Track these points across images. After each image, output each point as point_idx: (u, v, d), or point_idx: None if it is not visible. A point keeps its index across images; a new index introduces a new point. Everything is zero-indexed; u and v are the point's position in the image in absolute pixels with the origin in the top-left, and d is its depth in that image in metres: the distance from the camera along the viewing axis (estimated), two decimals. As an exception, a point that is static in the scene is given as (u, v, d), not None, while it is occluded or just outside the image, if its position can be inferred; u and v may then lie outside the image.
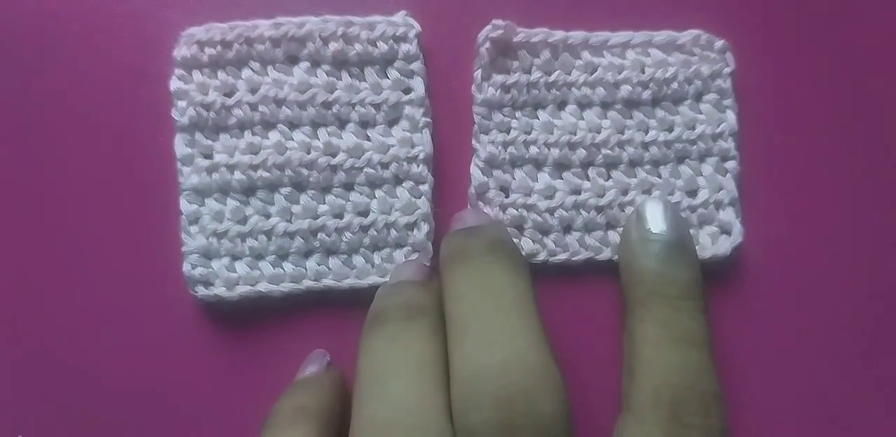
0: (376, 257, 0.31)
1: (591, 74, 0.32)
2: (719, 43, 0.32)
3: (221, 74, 0.31)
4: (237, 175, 0.31)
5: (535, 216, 0.31)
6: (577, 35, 0.32)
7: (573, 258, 0.31)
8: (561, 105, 0.32)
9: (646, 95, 0.32)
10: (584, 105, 0.32)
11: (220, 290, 0.30)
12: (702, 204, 0.32)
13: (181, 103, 0.31)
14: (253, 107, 0.31)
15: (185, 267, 0.30)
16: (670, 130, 0.32)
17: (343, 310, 0.31)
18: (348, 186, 0.31)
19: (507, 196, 0.31)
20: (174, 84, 0.31)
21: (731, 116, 0.32)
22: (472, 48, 0.32)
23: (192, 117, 0.31)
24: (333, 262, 0.31)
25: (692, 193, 0.32)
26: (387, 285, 0.29)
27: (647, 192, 0.32)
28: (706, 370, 0.27)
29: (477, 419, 0.23)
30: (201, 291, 0.30)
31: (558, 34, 0.32)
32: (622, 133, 0.32)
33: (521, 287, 0.26)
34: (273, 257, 0.31)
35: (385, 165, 0.31)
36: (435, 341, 0.26)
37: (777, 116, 0.33)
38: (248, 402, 0.31)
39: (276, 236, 0.30)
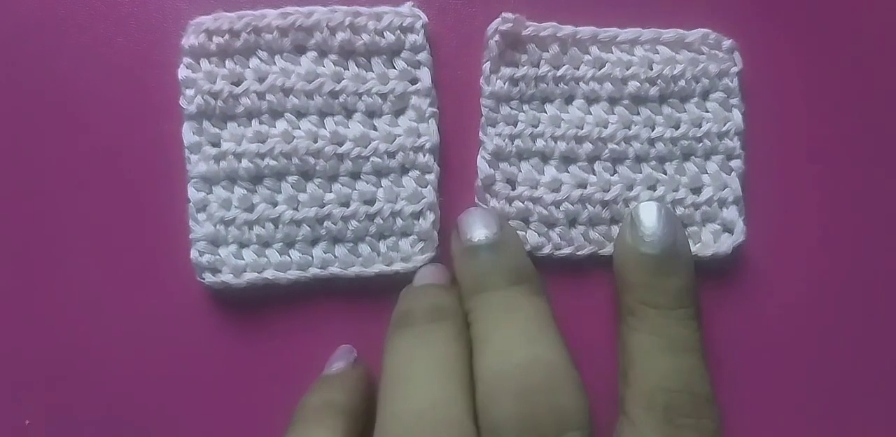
0: (382, 246, 0.31)
1: (600, 69, 0.32)
2: (727, 42, 0.32)
3: (229, 63, 0.31)
4: (244, 163, 0.31)
5: (540, 209, 0.31)
6: (586, 30, 0.32)
7: (577, 253, 0.31)
8: (568, 99, 0.32)
9: (653, 91, 0.32)
10: (591, 100, 0.32)
11: (227, 277, 0.30)
12: (705, 202, 0.32)
13: (189, 92, 0.31)
14: (260, 96, 0.31)
15: (193, 254, 0.30)
16: (677, 126, 0.32)
17: (349, 298, 0.31)
18: (355, 175, 0.31)
19: (513, 189, 0.31)
20: (182, 73, 0.31)
21: (737, 115, 0.32)
22: (478, 40, 0.32)
23: (200, 106, 0.31)
24: (339, 250, 0.31)
25: (696, 190, 0.32)
26: (411, 287, 0.29)
27: (653, 188, 0.32)
28: (698, 374, 0.28)
29: (499, 413, 0.24)
30: (209, 278, 0.30)
31: (567, 29, 0.32)
32: (629, 129, 0.32)
33: (540, 307, 0.27)
34: (280, 244, 0.31)
35: (391, 155, 0.31)
36: (459, 342, 0.27)
37: (783, 117, 0.33)
38: (255, 388, 0.31)
39: (283, 224, 0.31)
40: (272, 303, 0.31)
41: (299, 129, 0.31)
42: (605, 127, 0.32)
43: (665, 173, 0.32)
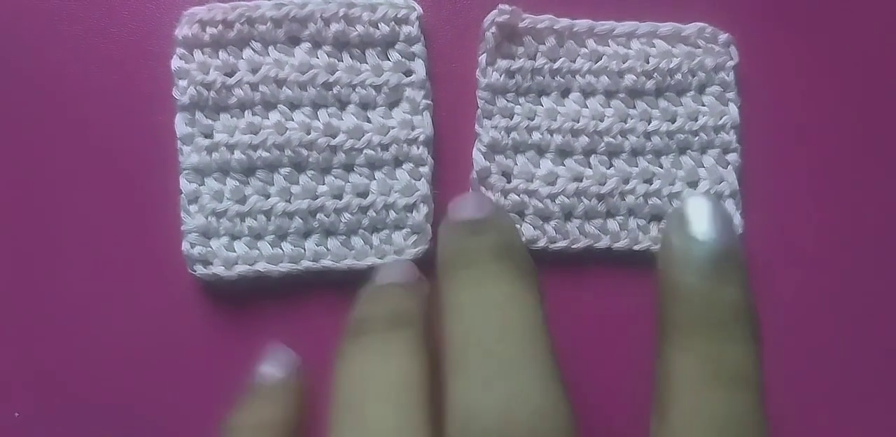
0: (375, 239, 0.31)
1: (596, 62, 0.32)
2: (724, 36, 0.32)
3: (223, 54, 0.31)
4: (237, 155, 0.30)
5: (536, 202, 0.31)
6: (582, 23, 0.32)
7: (573, 246, 0.31)
8: (565, 92, 0.32)
9: (649, 85, 0.32)
10: (587, 93, 0.32)
11: (218, 269, 0.30)
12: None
13: (182, 83, 0.30)
14: (253, 87, 0.31)
15: (185, 246, 0.30)
16: (673, 120, 0.32)
17: (341, 290, 0.31)
18: (348, 167, 0.31)
19: (508, 182, 0.31)
20: (175, 63, 0.31)
21: (733, 108, 0.32)
22: (474, 32, 0.32)
23: (193, 97, 0.30)
24: (332, 242, 0.31)
25: (693, 184, 0.32)
26: (371, 287, 0.25)
27: (649, 181, 0.32)
28: (755, 422, 0.22)
29: None
30: (200, 270, 0.30)
31: (564, 21, 0.32)
32: (625, 122, 0.32)
33: (529, 304, 0.22)
34: (272, 236, 0.30)
35: (385, 147, 0.31)
36: (420, 355, 0.23)
37: (779, 110, 0.33)
38: (245, 381, 0.30)
39: (276, 216, 0.30)
40: (264, 295, 0.31)
41: (292, 120, 0.31)
42: (602, 120, 0.32)
43: (661, 167, 0.32)
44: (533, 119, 0.31)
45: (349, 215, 0.30)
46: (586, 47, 0.32)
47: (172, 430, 0.31)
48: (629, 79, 0.32)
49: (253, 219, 0.30)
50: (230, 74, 0.31)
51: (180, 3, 0.31)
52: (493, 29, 0.31)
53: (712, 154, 0.32)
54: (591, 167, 0.32)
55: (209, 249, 0.30)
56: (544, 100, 0.32)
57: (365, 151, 0.31)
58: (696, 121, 0.32)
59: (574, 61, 0.32)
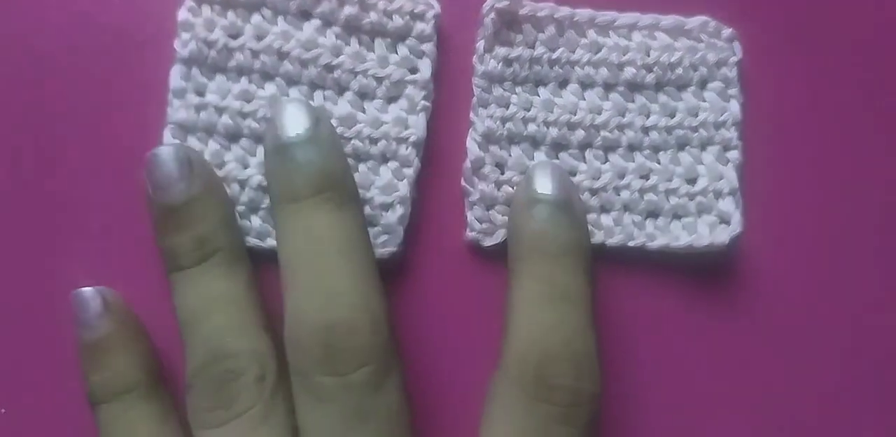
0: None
1: (596, 53, 0.31)
2: (727, 31, 0.31)
3: (231, 15, 0.30)
4: (224, 119, 0.30)
5: (529, 195, 0.30)
6: (583, 13, 0.31)
7: (564, 240, 0.30)
8: (562, 83, 0.31)
9: (649, 78, 0.31)
10: (585, 85, 0.31)
11: None
12: (700, 192, 0.31)
13: (185, 35, 0.30)
14: (255, 54, 0.30)
15: None
16: (672, 115, 0.31)
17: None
18: (333, 155, 0.30)
19: (502, 173, 0.31)
20: (182, 15, 0.30)
21: (734, 105, 0.31)
22: (473, 19, 0.31)
23: (193, 51, 0.30)
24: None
25: (692, 180, 0.31)
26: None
27: (645, 177, 0.31)
28: (582, 331, 0.25)
29: (302, 334, 0.24)
30: None
31: (565, 10, 0.31)
32: (623, 116, 0.31)
33: (346, 226, 0.26)
34: (243, 208, 0.30)
35: (374, 141, 0.30)
36: (234, 274, 0.27)
37: (781, 108, 0.32)
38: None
39: (250, 188, 0.30)
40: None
41: (287, 96, 0.30)
42: (599, 114, 0.31)
43: (659, 163, 0.31)
44: (529, 110, 0.31)
45: (323, 203, 0.30)
46: (586, 38, 0.31)
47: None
48: (629, 72, 0.31)
49: (227, 186, 0.29)
50: (234, 36, 0.30)
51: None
52: (493, 15, 0.30)
53: (712, 151, 0.31)
54: (585, 162, 0.31)
55: None
56: (541, 90, 0.31)
57: (353, 142, 0.30)
58: (696, 117, 0.31)
59: (573, 52, 0.31)
